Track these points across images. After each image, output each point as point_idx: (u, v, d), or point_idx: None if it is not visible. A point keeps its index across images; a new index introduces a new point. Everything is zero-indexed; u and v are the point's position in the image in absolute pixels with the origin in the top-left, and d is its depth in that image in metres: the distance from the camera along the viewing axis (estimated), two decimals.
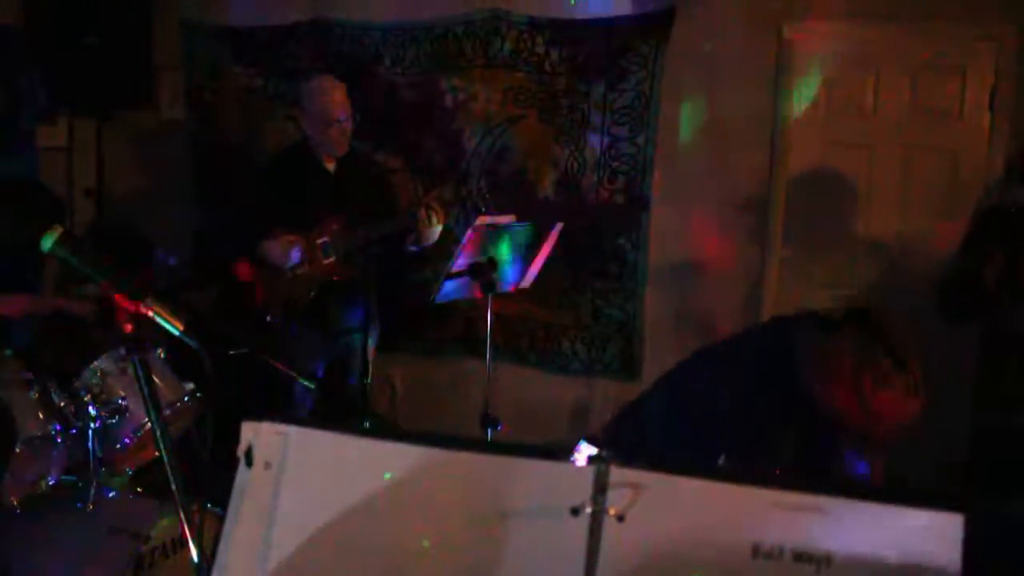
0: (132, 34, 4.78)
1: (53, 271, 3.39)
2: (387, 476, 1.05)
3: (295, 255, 3.75)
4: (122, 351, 2.90)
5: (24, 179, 3.52)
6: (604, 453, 1.02)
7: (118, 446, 2.89)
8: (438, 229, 3.80)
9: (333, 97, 3.81)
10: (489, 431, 3.54)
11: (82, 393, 2.83)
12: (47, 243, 1.51)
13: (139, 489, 2.96)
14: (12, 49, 4.57)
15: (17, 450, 2.68)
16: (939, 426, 4.05)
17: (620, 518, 1.00)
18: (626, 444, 2.15)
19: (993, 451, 3.35)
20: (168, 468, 1.54)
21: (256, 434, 1.09)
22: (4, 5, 4.61)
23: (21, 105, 4.61)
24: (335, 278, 3.80)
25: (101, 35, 4.58)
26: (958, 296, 3.28)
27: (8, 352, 2.89)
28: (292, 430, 1.10)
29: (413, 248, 3.87)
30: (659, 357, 4.51)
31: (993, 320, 3.31)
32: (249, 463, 1.09)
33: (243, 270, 3.71)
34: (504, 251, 3.60)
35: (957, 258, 3.31)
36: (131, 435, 2.89)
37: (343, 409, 3.86)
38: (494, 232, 3.55)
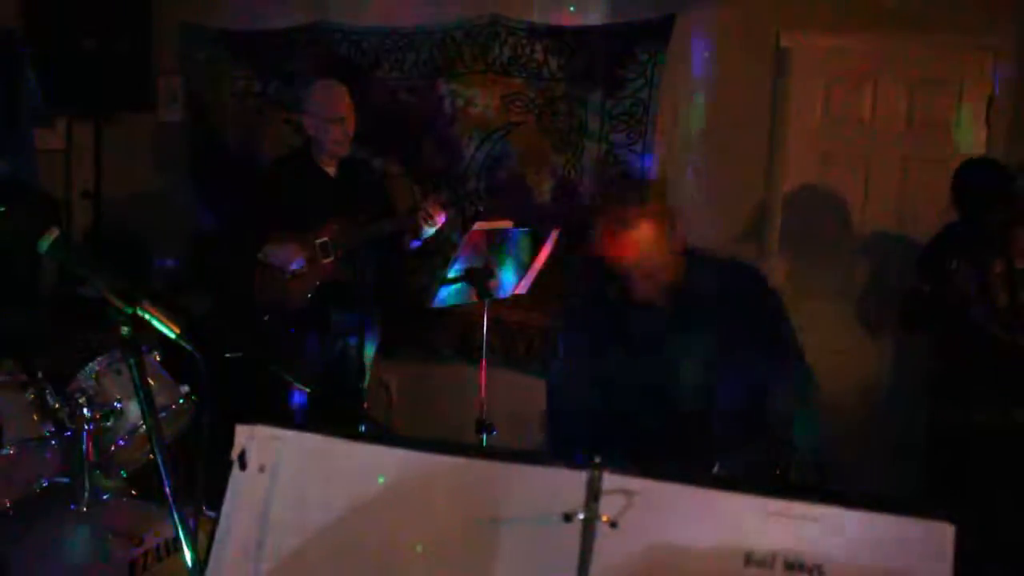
0: (131, 37, 4.78)
1: (50, 273, 3.39)
2: (381, 480, 1.05)
3: (299, 262, 3.77)
4: (118, 353, 2.90)
5: (20, 181, 3.52)
6: (597, 460, 1.02)
7: (112, 448, 2.89)
8: (437, 225, 3.87)
9: (336, 97, 3.85)
10: (484, 436, 3.54)
11: (77, 395, 2.82)
12: (43, 246, 1.51)
13: (133, 492, 2.96)
14: (11, 51, 4.57)
15: (11, 452, 2.67)
16: (898, 420, 4.14)
17: (613, 524, 1.00)
18: None
19: (949, 446, 3.58)
20: (162, 471, 1.54)
21: (250, 437, 1.10)
22: (4, 7, 4.62)
23: (20, 107, 4.61)
24: (333, 279, 3.81)
25: (100, 37, 4.58)
26: (915, 315, 3.62)
27: (3, 354, 2.89)
28: (286, 434, 1.10)
29: (415, 243, 3.91)
30: None
31: (954, 323, 3.52)
32: (243, 466, 1.09)
33: None
34: (501, 257, 3.60)
35: (916, 277, 3.59)
36: (126, 437, 2.89)
37: (338, 413, 3.86)
38: (491, 238, 3.55)
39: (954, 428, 3.60)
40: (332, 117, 3.81)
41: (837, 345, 4.30)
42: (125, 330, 1.52)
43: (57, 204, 3.73)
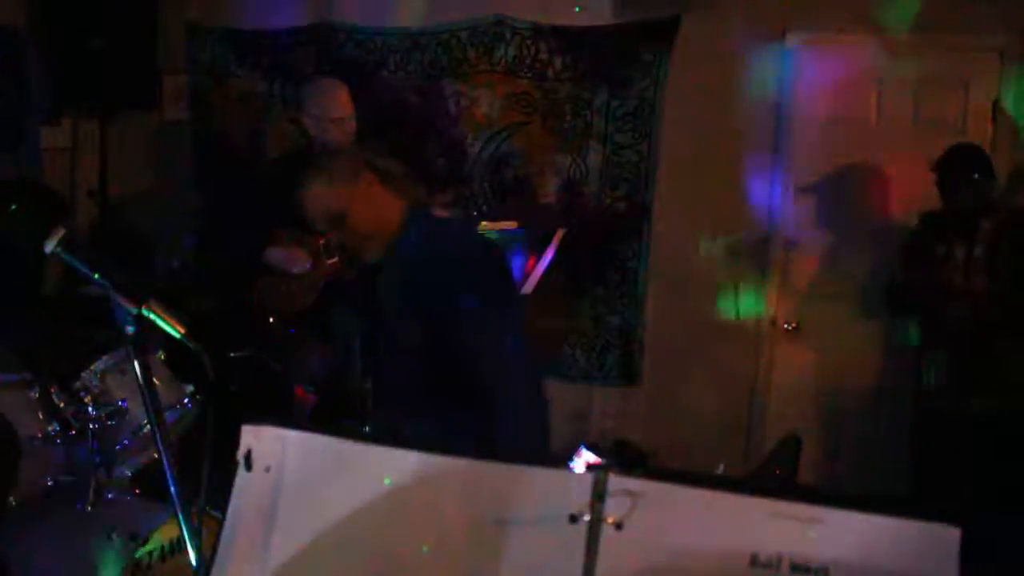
0: (136, 35, 4.78)
1: (55, 272, 3.40)
2: (387, 481, 1.05)
3: (302, 263, 3.77)
4: (122, 353, 2.90)
5: (28, 180, 3.53)
6: (604, 461, 1.02)
7: (117, 447, 2.89)
8: None
9: (335, 96, 3.84)
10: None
11: (82, 394, 2.82)
12: (50, 245, 1.52)
13: (137, 491, 2.96)
14: (17, 49, 4.58)
15: None
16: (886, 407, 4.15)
17: (618, 526, 1.00)
18: None
19: (935, 431, 3.71)
20: (167, 470, 1.54)
21: (256, 438, 1.09)
22: (9, 6, 4.62)
23: (25, 105, 4.62)
24: (337, 279, 3.81)
25: (105, 36, 4.58)
26: (901, 295, 3.88)
27: (8, 353, 2.89)
28: (292, 434, 1.09)
29: None
30: (659, 365, 4.51)
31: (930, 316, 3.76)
32: (249, 467, 1.09)
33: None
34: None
35: (900, 260, 3.88)
36: (130, 436, 2.89)
37: (343, 413, 3.86)
38: (496, 238, 3.55)
39: (934, 417, 3.71)
40: (331, 118, 3.80)
41: (839, 343, 4.30)
42: (130, 329, 1.53)
43: (64, 203, 3.74)
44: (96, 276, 1.54)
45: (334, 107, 3.81)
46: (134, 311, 1.51)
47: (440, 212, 2.87)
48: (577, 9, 4.44)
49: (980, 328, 3.58)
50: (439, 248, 2.43)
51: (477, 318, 2.29)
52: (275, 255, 3.77)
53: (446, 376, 2.33)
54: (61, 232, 1.52)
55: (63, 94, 4.71)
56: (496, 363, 2.30)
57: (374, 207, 2.46)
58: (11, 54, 4.58)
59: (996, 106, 4.03)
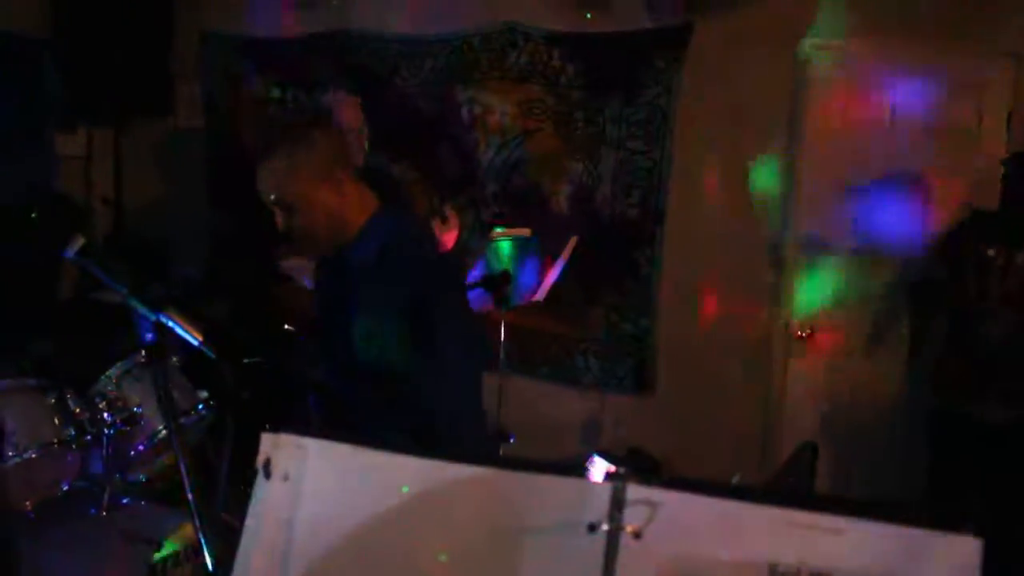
0: (151, 44, 4.82)
1: (71, 279, 3.42)
2: (405, 490, 1.06)
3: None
4: (138, 359, 2.92)
5: (47, 189, 3.56)
6: (621, 470, 1.02)
7: (132, 453, 2.91)
8: (453, 235, 3.85)
9: (349, 108, 3.86)
10: (501, 444, 3.54)
11: (97, 400, 2.84)
12: (69, 252, 1.53)
13: (153, 496, 2.98)
14: (33, 58, 4.62)
15: (32, 455, 2.70)
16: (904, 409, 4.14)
17: (637, 535, 1.00)
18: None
19: (953, 437, 3.68)
20: (183, 475, 1.55)
21: (275, 446, 1.10)
22: (25, 15, 4.66)
23: (42, 114, 4.65)
24: None
25: (120, 45, 4.62)
26: (927, 294, 3.84)
27: (25, 358, 2.92)
28: (311, 442, 1.10)
29: None
30: (673, 372, 4.50)
31: (956, 319, 3.70)
32: (268, 475, 1.09)
33: None
34: (518, 264, 3.61)
35: (932, 259, 3.85)
36: (145, 442, 2.91)
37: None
38: (509, 245, 3.56)
39: (952, 424, 3.68)
40: (342, 130, 3.82)
41: (854, 350, 4.28)
42: (149, 336, 1.54)
43: (83, 211, 3.77)
44: (115, 283, 1.55)
45: (349, 118, 3.84)
46: (153, 318, 1.52)
47: (404, 210, 2.68)
48: (588, 16, 4.45)
49: (1006, 337, 3.54)
50: (390, 253, 2.21)
51: (423, 332, 2.13)
52: (291, 264, 3.79)
53: (381, 383, 2.18)
54: (80, 240, 1.53)
55: (78, 102, 4.75)
56: (436, 378, 2.12)
57: (334, 205, 2.23)
58: (27, 63, 4.62)
59: (1011, 114, 4.01)
